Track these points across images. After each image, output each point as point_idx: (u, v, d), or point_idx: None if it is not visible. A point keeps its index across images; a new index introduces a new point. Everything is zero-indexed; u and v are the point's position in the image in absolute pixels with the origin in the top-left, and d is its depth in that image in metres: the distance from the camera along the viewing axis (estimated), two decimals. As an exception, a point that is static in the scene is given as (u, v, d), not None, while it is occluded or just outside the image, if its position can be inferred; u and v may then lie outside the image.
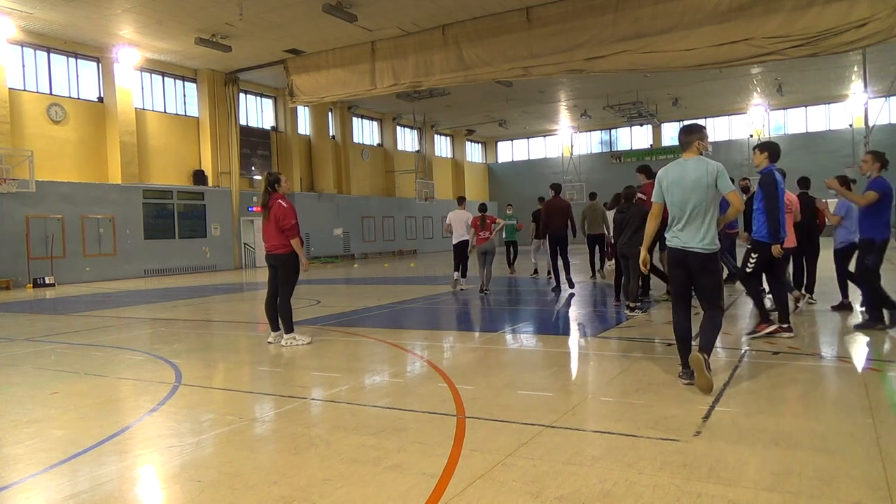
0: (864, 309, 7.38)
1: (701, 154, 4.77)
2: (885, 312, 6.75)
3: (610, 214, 11.55)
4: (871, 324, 6.77)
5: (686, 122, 5.16)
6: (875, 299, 6.80)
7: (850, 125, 35.03)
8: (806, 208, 9.16)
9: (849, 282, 8.26)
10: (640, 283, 9.05)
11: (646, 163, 11.46)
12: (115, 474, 3.40)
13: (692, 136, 4.76)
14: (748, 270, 6.64)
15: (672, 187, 4.74)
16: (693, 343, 4.87)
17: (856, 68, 28.08)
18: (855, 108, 34.06)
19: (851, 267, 8.03)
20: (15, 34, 19.07)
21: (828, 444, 3.43)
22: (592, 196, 14.17)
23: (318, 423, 4.28)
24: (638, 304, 8.73)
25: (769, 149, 6.58)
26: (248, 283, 19.15)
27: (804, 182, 9.79)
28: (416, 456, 3.46)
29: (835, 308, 8.37)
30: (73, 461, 3.60)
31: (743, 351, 5.98)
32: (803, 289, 9.15)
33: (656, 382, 4.98)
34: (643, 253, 5.06)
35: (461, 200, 13.82)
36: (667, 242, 4.87)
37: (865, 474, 3.03)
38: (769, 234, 6.31)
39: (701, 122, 35.49)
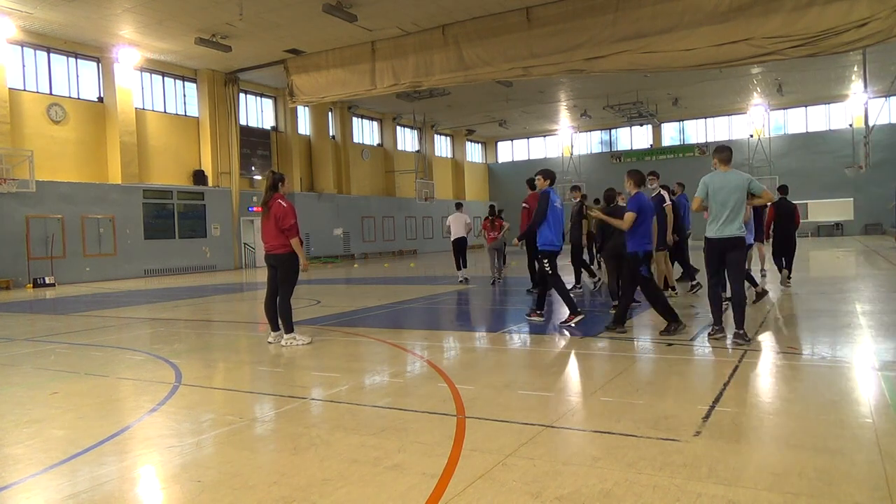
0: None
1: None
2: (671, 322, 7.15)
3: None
4: (673, 328, 6.96)
5: (723, 143, 6.74)
6: (664, 305, 7.18)
7: (850, 125, 35.03)
8: (784, 212, 11.19)
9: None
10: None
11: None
12: (115, 474, 3.39)
13: (730, 153, 6.46)
14: (548, 271, 7.93)
15: (718, 192, 6.29)
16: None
17: (856, 68, 28.08)
18: (855, 108, 34.07)
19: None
20: (15, 34, 19.07)
21: (828, 444, 3.43)
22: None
23: (318, 423, 4.28)
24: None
25: (545, 174, 8.04)
26: (247, 283, 19.15)
27: (783, 189, 11.76)
28: (416, 456, 3.46)
29: (755, 301, 9.21)
30: (73, 461, 3.60)
31: (743, 351, 5.98)
32: (782, 273, 11.22)
33: (656, 382, 4.98)
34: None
35: (458, 206, 15.48)
36: (707, 235, 6.39)
37: (865, 474, 3.03)
38: (545, 242, 7.84)
39: (701, 122, 35.07)
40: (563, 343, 7.12)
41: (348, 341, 7.58)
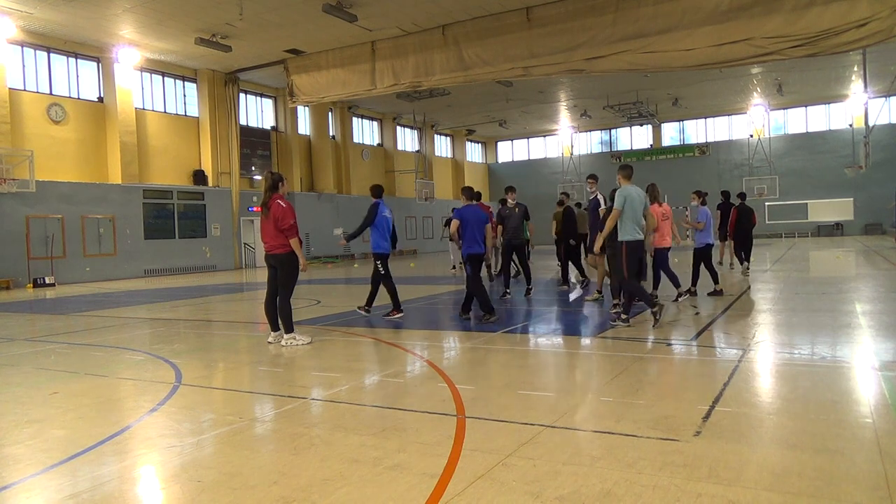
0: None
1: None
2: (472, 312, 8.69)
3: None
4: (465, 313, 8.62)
5: (627, 162, 8.58)
6: (482, 297, 8.40)
7: (850, 125, 35.04)
8: (744, 214, 13.72)
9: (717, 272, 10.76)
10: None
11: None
12: (115, 474, 3.40)
13: (632, 171, 7.75)
14: (381, 271, 8.96)
15: (633, 202, 7.52)
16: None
17: (856, 68, 28.08)
18: (855, 108, 34.08)
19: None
20: (15, 34, 19.06)
21: (828, 444, 3.43)
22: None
23: (318, 423, 4.28)
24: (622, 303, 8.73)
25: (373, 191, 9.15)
26: (247, 283, 19.15)
27: (742, 195, 14.19)
28: (416, 456, 3.46)
29: (710, 294, 10.33)
30: (73, 461, 3.60)
31: (742, 351, 5.98)
32: (743, 265, 13.74)
33: (656, 382, 4.98)
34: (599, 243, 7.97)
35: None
36: (627, 238, 7.52)
37: (865, 474, 3.03)
38: (376, 246, 8.95)
39: (701, 122, 35.08)
40: (563, 343, 7.12)
41: (348, 341, 7.58)
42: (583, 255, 13.43)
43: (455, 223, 8.54)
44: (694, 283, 10.53)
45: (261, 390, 5.31)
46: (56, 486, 3.26)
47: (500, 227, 11.66)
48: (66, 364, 6.69)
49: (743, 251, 13.84)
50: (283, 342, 7.15)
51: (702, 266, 10.64)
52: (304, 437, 3.87)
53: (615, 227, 7.74)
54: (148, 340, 8.24)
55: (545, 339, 7.45)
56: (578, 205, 15.35)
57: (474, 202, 9.06)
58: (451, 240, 8.52)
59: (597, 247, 8.27)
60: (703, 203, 11.16)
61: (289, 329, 7.16)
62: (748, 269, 13.75)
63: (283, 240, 7.05)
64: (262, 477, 3.25)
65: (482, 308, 8.38)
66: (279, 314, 7.19)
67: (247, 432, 4.10)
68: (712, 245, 10.84)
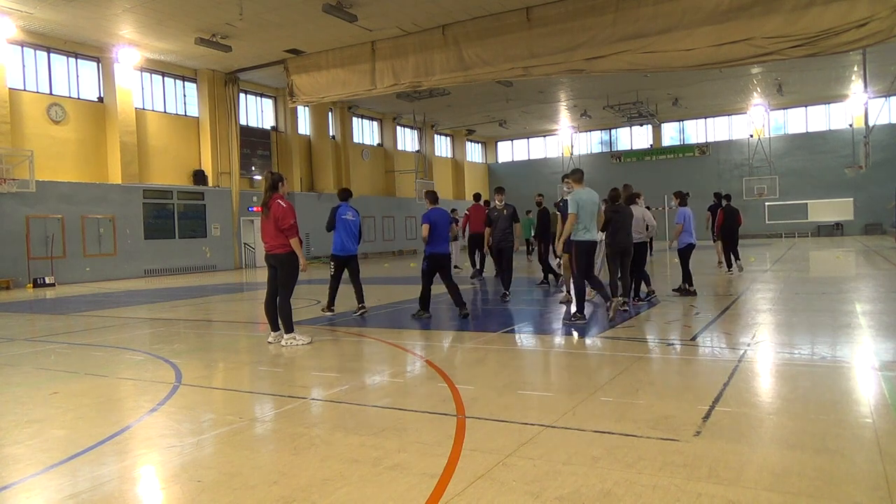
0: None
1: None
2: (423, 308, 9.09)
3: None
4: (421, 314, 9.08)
5: (577, 168, 8.94)
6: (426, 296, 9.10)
7: (850, 125, 35.03)
8: (730, 215, 14.72)
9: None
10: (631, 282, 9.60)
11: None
12: (115, 474, 3.40)
13: (582, 174, 8.36)
14: (332, 273, 9.53)
15: (586, 204, 7.96)
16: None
17: (856, 68, 28.08)
18: (855, 108, 34.07)
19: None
20: (15, 34, 19.05)
21: (828, 444, 3.43)
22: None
23: (318, 423, 4.28)
24: (627, 298, 9.13)
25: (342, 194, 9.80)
26: (247, 283, 19.15)
27: (728, 197, 15.22)
28: (416, 456, 3.46)
29: (675, 291, 10.74)
30: (73, 461, 3.60)
31: (742, 351, 5.98)
32: (734, 265, 14.45)
33: (656, 382, 4.98)
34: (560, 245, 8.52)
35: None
36: (581, 237, 8.01)
37: (865, 474, 3.03)
38: (332, 247, 9.45)
39: (701, 122, 35.09)
40: (563, 343, 7.12)
41: (348, 341, 7.59)
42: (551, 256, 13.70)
43: (426, 227, 8.97)
44: (686, 282, 10.70)
45: (261, 390, 5.31)
46: (56, 486, 3.26)
47: (488, 230, 11.71)
48: (66, 364, 6.69)
49: (731, 250, 14.56)
50: (283, 342, 7.15)
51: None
52: (304, 437, 3.87)
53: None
54: (148, 340, 8.24)
55: (545, 338, 7.45)
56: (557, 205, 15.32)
57: (439, 204, 9.58)
58: (425, 243, 9.12)
59: (558, 249, 8.83)
60: (683, 204, 11.26)
61: (289, 329, 7.16)
62: (741, 267, 14.39)
63: (284, 240, 7.05)
64: (262, 477, 3.25)
65: (420, 303, 9.03)
66: (279, 314, 7.19)
67: (247, 432, 4.10)
68: (694, 245, 11.08)
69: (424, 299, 9.03)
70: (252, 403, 4.91)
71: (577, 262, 8.12)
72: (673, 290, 10.91)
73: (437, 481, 3.08)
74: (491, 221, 11.63)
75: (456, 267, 17.85)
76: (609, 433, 3.72)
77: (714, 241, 15.48)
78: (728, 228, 14.59)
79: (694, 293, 10.51)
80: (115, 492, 3.16)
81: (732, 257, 14.52)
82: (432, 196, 9.58)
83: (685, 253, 10.97)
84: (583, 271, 8.09)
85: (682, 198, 11.41)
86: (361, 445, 3.66)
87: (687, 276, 10.75)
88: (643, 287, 10.07)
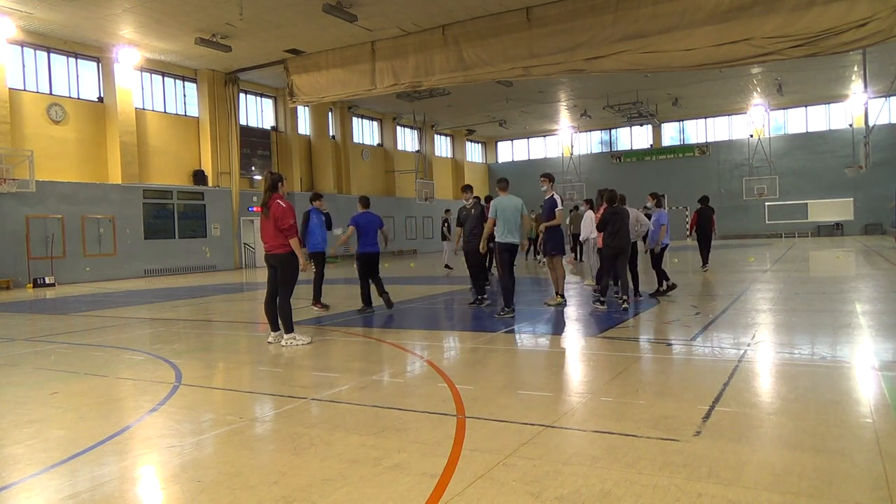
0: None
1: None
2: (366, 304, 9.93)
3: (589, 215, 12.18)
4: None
5: (502, 177, 9.69)
6: (365, 292, 10.07)
7: (850, 125, 35.04)
8: (704, 216, 15.31)
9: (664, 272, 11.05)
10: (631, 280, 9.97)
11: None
12: (115, 474, 3.40)
13: (507, 183, 9.27)
14: (314, 269, 10.16)
15: (504, 210, 8.86)
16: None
17: (856, 68, 28.08)
18: (855, 108, 34.08)
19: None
20: (15, 34, 19.06)
21: (828, 444, 3.43)
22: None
23: (318, 423, 4.27)
24: (626, 297, 9.26)
25: (362, 201, 10.41)
26: (247, 283, 19.15)
27: (705, 199, 15.66)
28: (416, 456, 3.46)
29: (652, 295, 10.59)
30: (73, 461, 3.60)
31: (742, 351, 5.98)
32: (705, 265, 15.29)
33: (656, 382, 4.98)
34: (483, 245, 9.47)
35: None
36: (499, 240, 8.88)
37: (865, 474, 3.03)
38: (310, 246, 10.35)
39: (701, 122, 35.13)
40: (563, 343, 7.12)
41: (348, 341, 7.59)
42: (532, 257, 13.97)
43: (350, 229, 9.90)
44: (663, 281, 10.72)
45: (261, 390, 5.31)
46: (56, 486, 3.26)
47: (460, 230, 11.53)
48: (66, 364, 6.68)
49: (704, 250, 15.52)
50: (283, 342, 7.15)
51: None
52: (304, 437, 3.87)
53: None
54: (148, 340, 8.24)
55: (545, 339, 7.46)
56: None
57: (369, 209, 10.36)
58: (341, 244, 10.40)
59: (482, 248, 9.53)
60: (658, 205, 11.25)
61: (289, 329, 7.16)
62: (706, 270, 15.10)
63: (283, 240, 7.06)
64: (262, 477, 3.25)
65: (363, 299, 9.96)
66: (279, 314, 7.20)
67: (247, 432, 4.10)
68: (667, 245, 11.17)
69: (365, 296, 9.95)
70: (252, 403, 4.91)
71: (499, 260, 9.00)
72: (652, 295, 10.57)
73: (437, 481, 3.08)
74: (461, 222, 11.30)
75: (448, 266, 18.13)
76: (609, 433, 3.72)
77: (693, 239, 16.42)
78: (703, 230, 15.43)
79: (674, 285, 10.62)
80: (114, 492, 3.16)
81: (705, 255, 15.46)
82: (364, 201, 10.37)
83: (662, 253, 10.99)
84: (507, 269, 8.99)
85: (659, 199, 11.49)
86: (361, 445, 3.65)
87: (662, 276, 10.74)
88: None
